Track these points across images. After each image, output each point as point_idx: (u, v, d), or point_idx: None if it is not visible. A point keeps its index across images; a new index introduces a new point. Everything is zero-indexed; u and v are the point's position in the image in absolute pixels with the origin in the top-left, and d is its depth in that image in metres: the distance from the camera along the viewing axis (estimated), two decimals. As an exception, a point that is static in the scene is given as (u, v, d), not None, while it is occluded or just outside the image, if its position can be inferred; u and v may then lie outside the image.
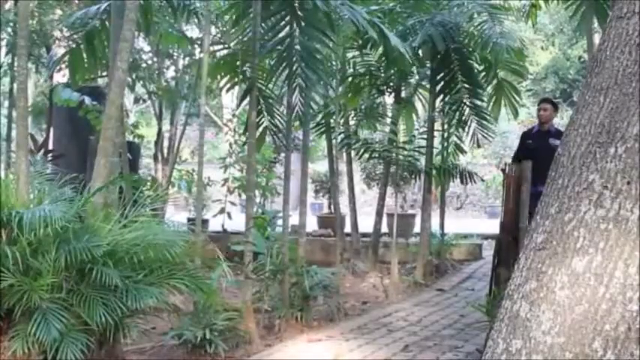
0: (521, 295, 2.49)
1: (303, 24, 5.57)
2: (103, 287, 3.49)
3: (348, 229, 8.71)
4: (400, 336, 5.19)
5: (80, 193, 4.05)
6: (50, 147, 9.15)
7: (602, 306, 2.31)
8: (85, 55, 6.07)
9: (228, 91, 6.66)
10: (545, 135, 7.22)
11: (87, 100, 7.10)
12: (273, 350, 4.71)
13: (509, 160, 7.39)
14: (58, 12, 9.59)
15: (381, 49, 7.57)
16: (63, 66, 6.99)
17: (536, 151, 6.92)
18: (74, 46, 6.14)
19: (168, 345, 4.61)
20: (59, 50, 6.77)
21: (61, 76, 9.00)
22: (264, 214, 8.83)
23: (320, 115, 8.15)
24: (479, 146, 8.47)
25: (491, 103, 8.10)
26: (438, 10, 7.57)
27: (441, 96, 7.97)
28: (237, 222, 8.71)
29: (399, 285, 7.21)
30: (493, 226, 5.97)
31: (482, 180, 10.18)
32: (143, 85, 10.53)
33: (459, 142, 8.24)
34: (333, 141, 8.38)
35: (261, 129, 6.06)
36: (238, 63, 5.92)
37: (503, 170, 5.07)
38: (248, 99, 5.62)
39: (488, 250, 8.90)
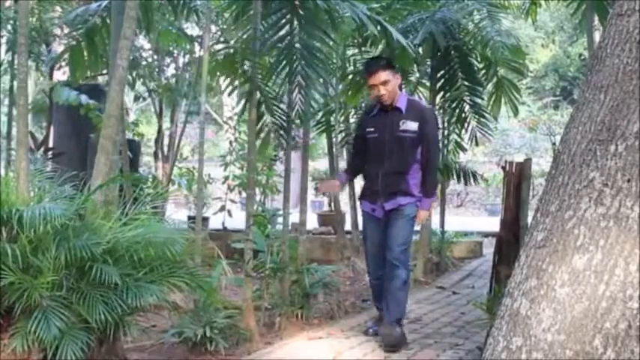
0: (522, 292, 2.49)
1: (303, 22, 5.56)
2: (103, 285, 3.48)
3: (348, 226, 8.71)
4: (400, 334, 5.18)
5: (80, 190, 4.04)
6: (50, 145, 9.15)
7: (602, 304, 2.32)
8: (85, 53, 6.07)
9: (228, 90, 6.64)
10: (393, 115, 4.71)
11: (83, 98, 7.09)
12: (273, 348, 4.70)
13: (510, 159, 7.19)
14: (58, 9, 9.58)
15: (381, 47, 7.57)
16: (63, 63, 6.99)
17: (380, 143, 4.76)
18: (74, 43, 6.13)
19: (169, 343, 4.61)
20: (59, 48, 6.77)
21: (62, 74, 9.00)
22: (265, 211, 8.82)
23: (320, 113, 8.15)
24: (477, 144, 8.44)
25: (491, 101, 8.09)
26: (437, 8, 7.55)
27: (441, 93, 7.96)
28: (237, 220, 8.71)
29: (399, 283, 7.20)
30: (493, 224, 5.96)
31: (485, 180, 10.15)
32: (143, 83, 10.53)
33: (459, 139, 8.22)
34: (334, 139, 8.37)
35: (260, 126, 6.05)
36: (238, 61, 5.91)
37: (503, 168, 5.01)
38: (248, 97, 5.62)
39: (489, 248, 8.90)
